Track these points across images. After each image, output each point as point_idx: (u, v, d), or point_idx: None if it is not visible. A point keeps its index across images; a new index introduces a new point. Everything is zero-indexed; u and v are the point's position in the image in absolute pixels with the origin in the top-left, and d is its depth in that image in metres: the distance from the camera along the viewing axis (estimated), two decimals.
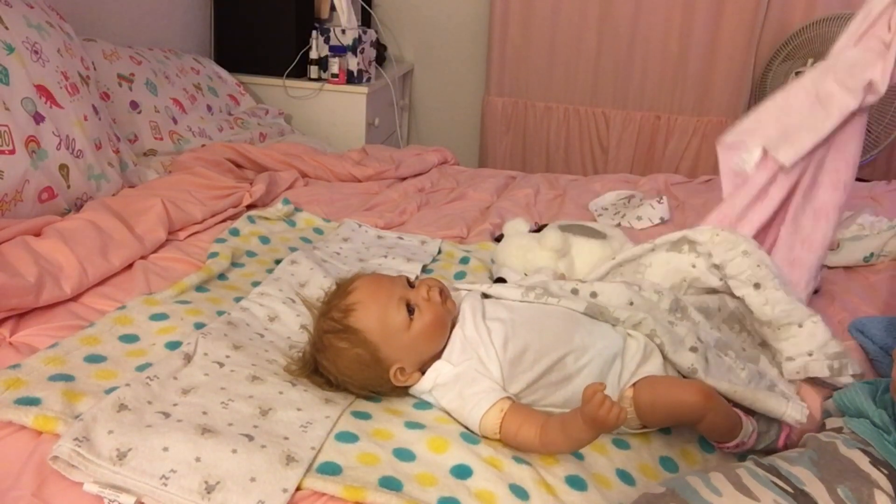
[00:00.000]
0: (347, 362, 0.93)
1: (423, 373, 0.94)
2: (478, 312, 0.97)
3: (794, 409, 0.92)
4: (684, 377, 0.96)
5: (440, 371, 0.93)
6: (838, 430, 0.87)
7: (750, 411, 0.94)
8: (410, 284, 0.99)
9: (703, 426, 0.90)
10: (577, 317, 1.00)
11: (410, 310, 0.94)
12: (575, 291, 1.07)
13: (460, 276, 1.40)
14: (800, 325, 1.04)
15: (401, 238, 1.57)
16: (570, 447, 0.83)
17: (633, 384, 0.93)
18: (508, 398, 0.88)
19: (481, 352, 0.92)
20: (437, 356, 0.95)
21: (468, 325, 0.95)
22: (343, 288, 0.97)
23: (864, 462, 0.78)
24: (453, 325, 0.97)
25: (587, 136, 3.14)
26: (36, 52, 1.51)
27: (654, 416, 0.91)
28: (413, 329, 0.93)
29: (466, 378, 0.90)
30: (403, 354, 0.93)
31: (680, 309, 1.07)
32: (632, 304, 1.05)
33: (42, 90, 1.50)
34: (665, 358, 0.97)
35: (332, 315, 0.95)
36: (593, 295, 1.07)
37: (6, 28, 1.47)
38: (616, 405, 0.76)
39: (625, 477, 0.85)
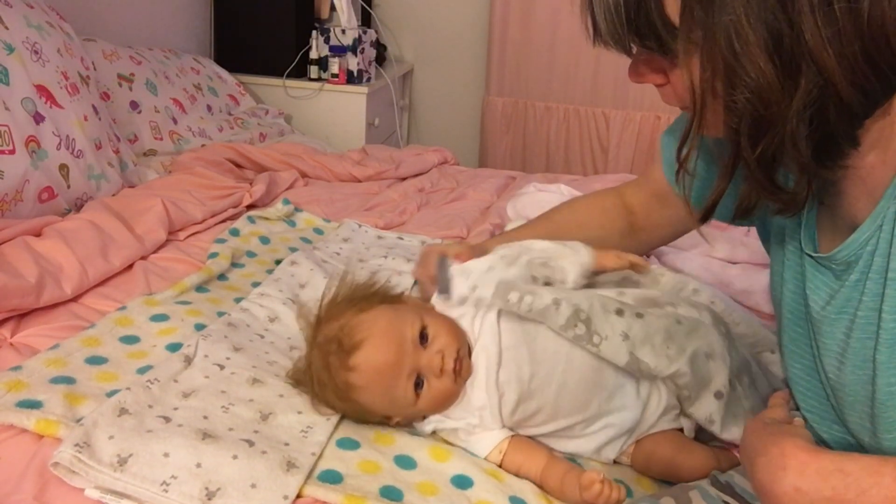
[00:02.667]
0: (345, 412, 0.90)
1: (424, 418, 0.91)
2: (492, 367, 0.86)
3: None
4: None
5: (438, 423, 0.89)
6: None
7: None
8: (423, 336, 0.87)
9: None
10: (603, 373, 0.87)
11: (419, 381, 0.86)
12: (620, 313, 0.88)
13: None
14: (772, 352, 1.02)
15: (401, 238, 1.57)
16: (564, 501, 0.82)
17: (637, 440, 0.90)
18: (507, 437, 0.86)
19: (485, 413, 0.86)
20: None
21: (478, 386, 0.86)
22: (346, 352, 0.85)
23: None
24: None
25: (587, 136, 3.14)
26: (36, 52, 1.51)
27: (649, 472, 0.90)
28: (419, 404, 0.87)
29: (465, 430, 0.88)
30: (407, 417, 0.90)
31: (723, 324, 0.95)
32: (670, 336, 0.88)
33: (42, 90, 1.49)
34: (682, 412, 0.91)
35: (333, 378, 0.86)
36: (639, 315, 0.89)
37: (6, 28, 1.47)
38: (615, 490, 0.76)
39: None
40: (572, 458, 0.89)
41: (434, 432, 0.91)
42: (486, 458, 0.86)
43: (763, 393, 0.92)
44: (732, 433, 0.87)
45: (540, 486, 0.83)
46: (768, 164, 0.59)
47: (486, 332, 0.88)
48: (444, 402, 0.88)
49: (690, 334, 0.88)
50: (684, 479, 0.85)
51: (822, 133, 0.57)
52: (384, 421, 0.90)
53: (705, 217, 0.71)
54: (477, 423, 0.87)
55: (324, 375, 0.87)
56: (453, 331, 0.89)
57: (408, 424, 0.91)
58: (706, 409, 0.87)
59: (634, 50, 0.65)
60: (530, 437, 0.90)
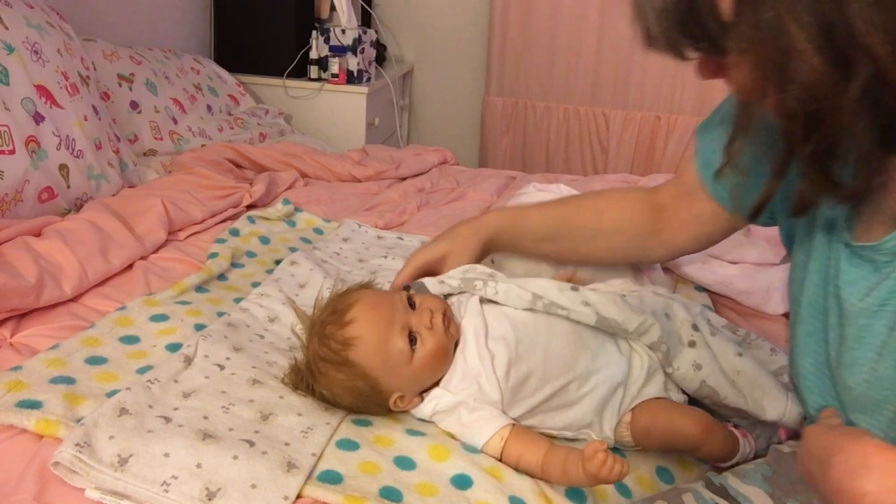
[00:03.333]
0: (344, 391, 0.90)
1: (423, 397, 0.92)
2: (480, 334, 0.92)
3: (793, 408, 0.91)
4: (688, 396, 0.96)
5: (439, 399, 0.90)
6: None
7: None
8: (411, 303, 0.94)
9: (699, 453, 0.91)
10: (583, 336, 0.94)
11: (412, 338, 0.90)
12: (575, 289, 0.97)
13: None
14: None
15: (401, 238, 1.57)
16: (569, 486, 0.83)
17: (633, 408, 0.92)
18: (509, 425, 0.86)
19: (482, 380, 0.88)
20: (438, 382, 0.92)
21: (470, 351, 0.91)
22: (340, 312, 0.91)
23: None
24: (455, 345, 0.93)
25: (587, 136, 3.14)
26: (36, 52, 1.51)
27: (650, 443, 0.91)
28: (415, 361, 0.89)
29: (466, 405, 0.88)
30: (404, 384, 0.90)
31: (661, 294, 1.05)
32: (626, 304, 0.98)
33: (42, 90, 1.49)
34: (665, 373, 0.96)
35: (329, 345, 0.90)
36: (593, 290, 0.99)
37: (6, 28, 1.47)
38: (618, 462, 0.75)
39: (621, 488, 0.86)
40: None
41: (432, 419, 0.91)
42: (486, 447, 0.86)
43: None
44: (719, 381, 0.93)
45: (541, 475, 0.83)
46: (823, 159, 0.58)
47: (470, 310, 0.95)
48: (439, 358, 0.90)
49: (642, 301, 0.99)
50: (685, 445, 0.89)
51: (883, 121, 0.55)
52: (383, 404, 0.91)
53: (754, 216, 0.69)
54: (476, 390, 0.88)
55: (322, 350, 0.90)
56: (438, 298, 0.97)
57: (407, 407, 0.92)
58: (688, 358, 0.93)
59: (689, 54, 0.64)
60: (530, 427, 0.91)
